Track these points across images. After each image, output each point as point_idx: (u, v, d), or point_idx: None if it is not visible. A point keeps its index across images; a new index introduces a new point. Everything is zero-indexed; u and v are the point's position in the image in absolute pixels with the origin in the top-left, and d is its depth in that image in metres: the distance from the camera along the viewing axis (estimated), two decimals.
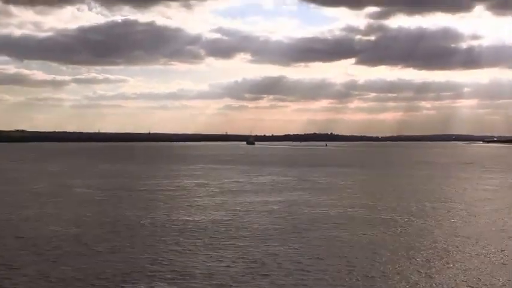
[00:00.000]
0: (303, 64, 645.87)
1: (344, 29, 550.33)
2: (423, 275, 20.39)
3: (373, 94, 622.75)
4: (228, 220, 33.92)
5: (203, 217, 35.14)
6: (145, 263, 22.16)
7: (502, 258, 23.63)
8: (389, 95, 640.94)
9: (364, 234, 29.15)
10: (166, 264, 21.94)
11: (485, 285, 19.14)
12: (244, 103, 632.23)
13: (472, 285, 19.02)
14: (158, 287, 18.77)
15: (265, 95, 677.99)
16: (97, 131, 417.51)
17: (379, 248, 25.57)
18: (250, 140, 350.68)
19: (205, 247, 25.54)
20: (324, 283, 19.40)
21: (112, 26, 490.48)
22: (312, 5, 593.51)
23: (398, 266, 21.81)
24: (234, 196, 47.77)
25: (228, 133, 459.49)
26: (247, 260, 22.82)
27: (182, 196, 47.80)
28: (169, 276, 20.13)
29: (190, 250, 24.85)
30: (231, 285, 18.99)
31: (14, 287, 18.67)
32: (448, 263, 22.50)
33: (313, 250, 24.97)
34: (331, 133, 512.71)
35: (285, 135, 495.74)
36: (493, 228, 31.51)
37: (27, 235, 28.49)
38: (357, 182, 65.45)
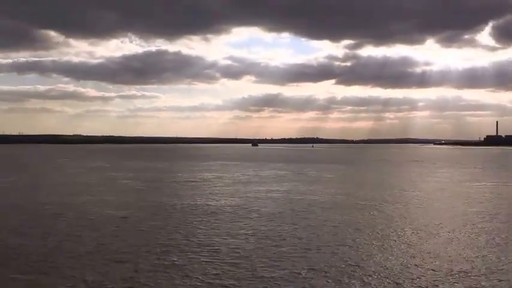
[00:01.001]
0: (295, 84, 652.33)
1: (326, 57, 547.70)
2: (392, 247, 20.19)
3: (349, 107, 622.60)
4: (241, 204, 33.72)
5: (221, 202, 34.95)
6: (179, 239, 21.97)
7: (454, 235, 23.41)
8: (362, 108, 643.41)
9: (348, 216, 28.96)
10: (195, 240, 21.73)
11: (439, 255, 18.90)
12: (250, 114, 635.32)
13: (433, 256, 18.77)
14: (190, 258, 18.49)
15: (265, 108, 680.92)
16: (136, 136, 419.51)
17: (359, 226, 25.38)
18: (254, 142, 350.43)
19: (225, 226, 25.35)
20: (321, 251, 19.18)
21: (148, 55, 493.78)
22: (303, 39, 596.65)
23: (374, 240, 21.61)
24: (244, 186, 47.58)
25: (237, 137, 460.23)
26: (260, 236, 22.63)
27: (204, 186, 47.65)
28: (198, 249, 19.92)
29: (213, 228, 24.64)
30: (249, 255, 18.76)
31: (80, 257, 18.45)
32: (412, 238, 22.30)
33: (310, 228, 24.76)
34: (317, 137, 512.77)
35: (282, 139, 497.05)
36: (448, 211, 31.32)
37: (85, 217, 28.31)
38: (338, 175, 65.21)
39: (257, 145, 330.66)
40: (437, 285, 15.00)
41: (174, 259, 18.14)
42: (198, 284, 15.19)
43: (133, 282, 15.31)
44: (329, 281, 15.49)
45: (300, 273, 16.21)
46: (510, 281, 15.57)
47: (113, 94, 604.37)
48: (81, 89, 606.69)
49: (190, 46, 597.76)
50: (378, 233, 23.57)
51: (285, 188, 45.22)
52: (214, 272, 16.46)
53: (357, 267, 17.05)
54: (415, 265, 17.38)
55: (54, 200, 35.40)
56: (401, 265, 17.33)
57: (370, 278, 15.70)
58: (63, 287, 14.84)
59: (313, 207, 32.79)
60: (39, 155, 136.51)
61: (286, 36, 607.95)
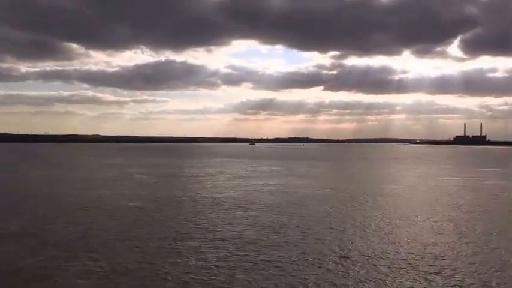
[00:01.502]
0: (288, 90, 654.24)
1: (315, 66, 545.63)
2: (373, 234, 20.49)
3: (335, 110, 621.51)
4: (242, 197, 33.94)
5: (225, 194, 35.11)
6: (189, 227, 22.24)
7: (427, 223, 23.74)
8: (346, 111, 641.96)
9: (336, 207, 29.25)
10: (203, 228, 21.97)
11: (416, 239, 19.24)
12: (248, 116, 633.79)
13: (409, 240, 19.09)
14: (200, 244, 18.76)
15: (261, 111, 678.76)
16: (147, 135, 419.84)
17: (344, 216, 25.66)
18: (252, 141, 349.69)
19: (229, 216, 25.59)
20: (317, 236, 19.49)
21: (158, 64, 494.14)
22: (295, 50, 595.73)
23: (357, 228, 21.92)
24: (244, 180, 47.72)
25: (237, 137, 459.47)
26: (260, 224, 22.89)
27: (209, 180, 47.74)
28: (206, 236, 20.17)
29: (218, 217, 24.91)
30: (253, 241, 19.04)
31: (104, 242, 18.71)
32: (393, 225, 22.62)
33: (304, 217, 25.04)
34: (307, 137, 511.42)
35: (276, 138, 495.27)
36: (422, 202, 31.62)
37: (105, 207, 28.51)
38: (326, 171, 65.50)
39: (254, 144, 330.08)
40: (412, 265, 15.36)
41: (186, 244, 18.44)
42: (210, 265, 15.49)
43: (150, 263, 15.59)
44: (317, 263, 15.83)
45: (291, 257, 16.53)
46: (473, 262, 15.95)
47: (127, 99, 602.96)
48: (99, 95, 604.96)
49: (195, 56, 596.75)
50: (361, 221, 23.89)
51: (280, 182, 45.40)
52: (223, 254, 16.78)
53: (342, 251, 17.40)
54: (393, 249, 17.73)
55: (79, 193, 35.58)
56: (381, 249, 17.68)
57: (354, 260, 16.05)
58: (93, 267, 15.15)
59: (305, 199, 33.07)
60: (63, 153, 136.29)
61: (279, 48, 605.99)
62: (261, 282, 13.81)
